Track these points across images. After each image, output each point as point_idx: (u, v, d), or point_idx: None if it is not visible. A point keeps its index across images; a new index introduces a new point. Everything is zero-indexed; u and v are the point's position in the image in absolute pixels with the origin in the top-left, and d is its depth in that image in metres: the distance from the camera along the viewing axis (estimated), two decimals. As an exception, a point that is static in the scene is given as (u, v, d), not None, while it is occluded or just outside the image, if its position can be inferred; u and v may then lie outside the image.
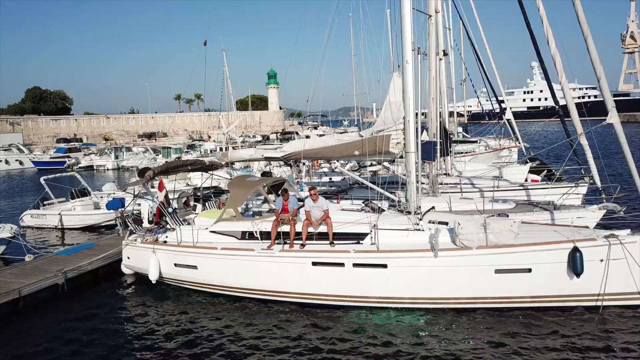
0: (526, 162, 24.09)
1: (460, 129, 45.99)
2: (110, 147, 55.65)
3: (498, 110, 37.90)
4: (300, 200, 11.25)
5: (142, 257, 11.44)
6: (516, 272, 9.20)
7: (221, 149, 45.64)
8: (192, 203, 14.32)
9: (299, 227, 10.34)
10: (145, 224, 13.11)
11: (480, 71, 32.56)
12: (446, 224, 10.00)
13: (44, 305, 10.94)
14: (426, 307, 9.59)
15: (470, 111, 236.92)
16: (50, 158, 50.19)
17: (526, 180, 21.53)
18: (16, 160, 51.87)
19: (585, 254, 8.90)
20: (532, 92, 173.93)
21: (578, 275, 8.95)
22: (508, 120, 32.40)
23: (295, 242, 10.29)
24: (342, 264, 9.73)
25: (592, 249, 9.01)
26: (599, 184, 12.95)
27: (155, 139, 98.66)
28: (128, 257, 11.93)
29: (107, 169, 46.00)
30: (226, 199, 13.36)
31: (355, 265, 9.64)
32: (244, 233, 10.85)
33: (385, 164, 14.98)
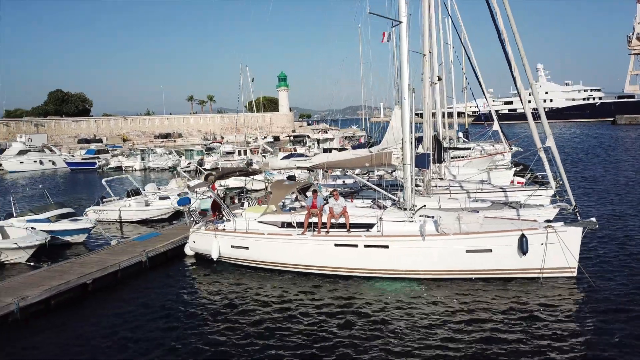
0: (512, 167, 27.69)
1: (460, 134, 49.31)
2: (136, 149, 59.67)
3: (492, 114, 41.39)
4: (324, 198, 14.99)
5: (205, 241, 15.25)
6: (481, 251, 12.89)
7: (241, 152, 49.39)
8: (236, 201, 18.02)
9: (324, 219, 14.08)
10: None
11: (476, 80, 35.93)
12: (432, 217, 13.71)
13: (134, 276, 14.75)
14: (416, 277, 13.29)
15: (477, 111, 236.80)
16: (82, 159, 54.29)
17: (512, 182, 25.00)
18: (49, 160, 56.03)
19: (530, 239, 12.58)
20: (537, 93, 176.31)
21: (525, 254, 12.63)
22: (497, 128, 35.72)
23: (321, 229, 14.04)
24: (356, 245, 13.47)
25: (535, 235, 12.68)
26: (553, 187, 16.50)
27: (172, 140, 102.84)
28: (194, 241, 15.74)
29: (135, 170, 49.90)
30: (263, 197, 17.18)
31: (365, 246, 13.39)
32: (283, 223, 14.64)
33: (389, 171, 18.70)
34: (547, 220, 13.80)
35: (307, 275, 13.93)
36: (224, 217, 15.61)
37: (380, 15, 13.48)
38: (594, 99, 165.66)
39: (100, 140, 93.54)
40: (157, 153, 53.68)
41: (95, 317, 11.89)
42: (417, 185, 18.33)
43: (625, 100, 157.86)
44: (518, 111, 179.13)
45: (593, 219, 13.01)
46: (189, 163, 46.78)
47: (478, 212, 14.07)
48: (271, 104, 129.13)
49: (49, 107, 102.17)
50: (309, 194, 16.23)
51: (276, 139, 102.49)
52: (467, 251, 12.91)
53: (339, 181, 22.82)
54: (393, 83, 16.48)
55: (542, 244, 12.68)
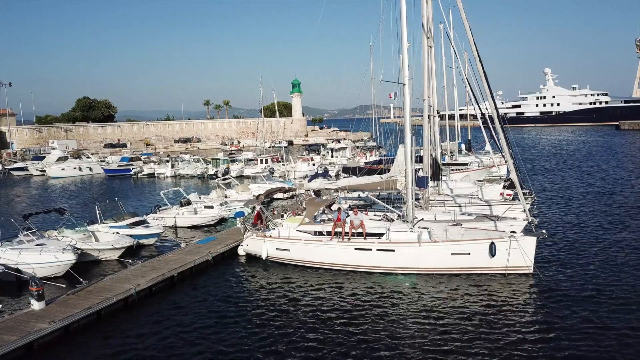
0: (501, 181, 32.28)
1: (463, 146, 53.68)
2: (167, 157, 64.87)
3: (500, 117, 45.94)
4: (346, 212, 19.81)
5: (256, 245, 20.16)
6: (462, 254, 17.64)
7: (263, 161, 54.31)
8: (275, 212, 22.83)
9: (346, 229, 18.91)
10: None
11: (479, 87, 40.44)
12: (427, 228, 18.50)
13: (204, 271, 19.67)
14: (415, 273, 18.06)
15: (486, 114, 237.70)
16: (118, 166, 59.63)
17: (501, 194, 29.52)
18: (87, 167, 61.49)
19: (497, 246, 17.31)
20: (544, 97, 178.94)
21: (494, 256, 17.35)
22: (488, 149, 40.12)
23: (344, 236, 18.87)
24: (370, 249, 18.28)
25: (501, 242, 17.41)
26: (525, 205, 21.12)
27: (191, 144, 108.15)
28: (247, 245, 20.63)
29: (167, 177, 55.07)
30: (296, 209, 22.08)
31: (378, 250, 18.20)
32: (315, 231, 19.51)
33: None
34: (512, 231, 18.51)
35: (334, 271, 18.77)
36: (268, 226, 20.52)
37: (388, 80, 18.31)
38: (600, 103, 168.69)
39: (124, 145, 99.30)
40: (186, 160, 58.83)
41: (183, 300, 16.80)
42: (418, 200, 23.17)
43: (632, 104, 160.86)
44: (526, 115, 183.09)
45: (544, 230, 17.80)
46: (225, 178, 48.79)
47: (461, 225, 18.85)
48: (284, 109, 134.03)
49: (76, 114, 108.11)
50: (334, 207, 21.16)
51: (290, 143, 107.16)
52: (452, 254, 17.68)
53: (356, 194, 27.66)
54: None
55: (506, 249, 17.41)
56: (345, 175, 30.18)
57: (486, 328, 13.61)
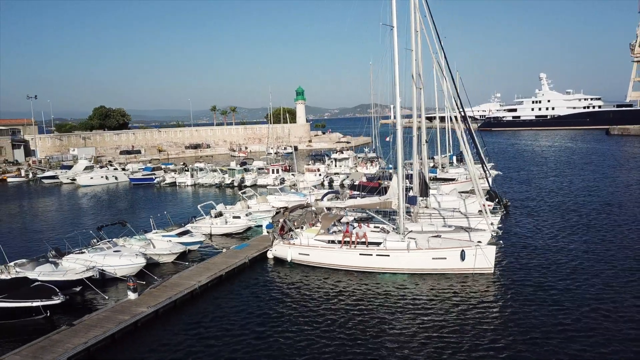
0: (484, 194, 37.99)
1: (454, 158, 59.34)
2: (184, 165, 70.71)
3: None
4: (353, 226, 25.59)
5: (283, 250, 25.98)
6: (440, 259, 23.45)
7: (274, 170, 60.05)
8: (296, 223, 28.56)
9: (353, 238, 24.74)
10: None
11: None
12: (414, 239, 24.34)
13: (241, 274, 25.45)
14: (405, 272, 23.86)
15: (484, 116, 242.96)
16: (142, 175, 65.46)
17: (483, 205, 35.22)
18: (113, 175, 67.33)
19: (467, 252, 23.13)
20: (540, 101, 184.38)
21: (463, 260, 23.17)
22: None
23: (351, 244, 24.68)
24: (371, 254, 24.10)
25: (469, 250, 23.23)
26: (493, 219, 26.90)
27: (201, 150, 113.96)
28: (275, 250, 26.44)
29: (187, 185, 60.89)
30: (317, 221, 27.93)
31: (377, 255, 24.02)
32: (329, 240, 25.34)
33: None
34: (479, 241, 24.30)
35: (344, 271, 24.60)
36: (291, 235, 26.36)
37: (386, 121, 24.06)
38: (593, 107, 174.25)
39: (139, 151, 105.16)
40: (204, 170, 64.65)
41: (232, 292, 22.64)
42: (409, 213, 29.02)
43: (623, 109, 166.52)
44: (522, 118, 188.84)
45: (501, 241, 23.64)
46: (246, 191, 51.27)
47: (440, 236, 24.70)
48: (289, 115, 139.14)
49: (93, 122, 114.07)
50: (343, 221, 27.03)
51: (295, 148, 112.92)
52: (433, 258, 23.51)
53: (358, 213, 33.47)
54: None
55: (473, 255, 23.22)
56: (352, 193, 35.86)
57: (454, 310, 19.43)
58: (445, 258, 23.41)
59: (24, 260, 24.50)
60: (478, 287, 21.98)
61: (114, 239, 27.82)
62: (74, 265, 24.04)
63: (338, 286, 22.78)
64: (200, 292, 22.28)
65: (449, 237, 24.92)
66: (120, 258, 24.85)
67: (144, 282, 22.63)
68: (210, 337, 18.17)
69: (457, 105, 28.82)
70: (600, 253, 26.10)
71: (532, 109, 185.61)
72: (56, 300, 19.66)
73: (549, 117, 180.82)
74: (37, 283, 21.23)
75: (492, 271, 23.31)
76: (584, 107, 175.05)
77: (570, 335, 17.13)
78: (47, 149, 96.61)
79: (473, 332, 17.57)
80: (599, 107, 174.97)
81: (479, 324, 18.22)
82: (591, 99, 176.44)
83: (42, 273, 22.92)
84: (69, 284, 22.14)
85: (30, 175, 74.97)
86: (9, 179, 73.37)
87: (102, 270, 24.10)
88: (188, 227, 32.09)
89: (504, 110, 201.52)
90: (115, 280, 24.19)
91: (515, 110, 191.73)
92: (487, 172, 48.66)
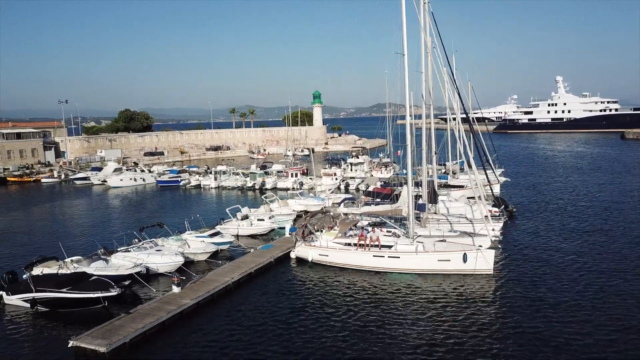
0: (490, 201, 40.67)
1: (465, 165, 61.74)
2: (206, 168, 74.34)
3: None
4: (367, 230, 28.60)
5: (304, 251, 29.13)
6: (445, 261, 26.36)
7: (293, 174, 63.26)
8: (316, 227, 31.68)
9: (367, 241, 27.76)
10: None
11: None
12: (422, 242, 27.28)
13: (268, 272, 28.64)
14: (413, 272, 26.81)
15: (501, 117, 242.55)
16: (169, 178, 69.31)
17: (490, 211, 37.92)
18: (140, 178, 71.27)
19: (468, 255, 25.99)
20: (556, 104, 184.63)
21: (465, 262, 26.04)
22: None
23: (366, 247, 27.71)
24: (383, 256, 27.11)
25: (471, 253, 26.09)
26: (497, 225, 29.68)
27: (221, 151, 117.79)
28: (298, 251, 29.59)
29: (211, 188, 64.46)
30: (335, 225, 31.00)
31: (389, 257, 27.01)
32: (346, 243, 28.42)
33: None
34: (480, 245, 27.10)
35: (358, 270, 27.63)
36: (312, 237, 29.48)
37: (398, 146, 27.05)
38: (610, 110, 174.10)
39: (162, 153, 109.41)
40: (226, 173, 68.19)
41: (262, 287, 25.84)
42: (418, 218, 31.95)
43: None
44: (537, 121, 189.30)
45: (499, 245, 26.41)
46: (268, 195, 49.74)
47: (446, 240, 27.58)
48: (306, 117, 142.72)
49: (119, 124, 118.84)
50: (360, 225, 30.05)
51: (312, 151, 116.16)
52: (438, 260, 26.41)
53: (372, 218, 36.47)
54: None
55: (474, 257, 26.07)
56: (367, 200, 38.86)
57: (455, 305, 22.36)
58: (449, 260, 26.30)
59: (79, 257, 28.08)
60: (478, 286, 24.83)
61: (153, 239, 31.25)
62: (123, 262, 27.50)
63: (353, 284, 25.84)
64: (233, 287, 25.53)
65: (453, 242, 27.78)
66: (162, 256, 28.27)
67: (184, 278, 25.97)
68: (244, 325, 21.37)
69: (465, 115, 31.52)
70: (595, 260, 28.70)
71: (548, 112, 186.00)
72: (113, 292, 23.06)
73: (564, 120, 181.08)
74: (94, 277, 24.68)
75: (491, 272, 26.12)
76: (601, 110, 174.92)
77: (554, 326, 19.95)
78: (75, 151, 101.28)
79: (471, 323, 20.48)
80: (616, 110, 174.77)
81: (476, 316, 21.12)
82: (608, 102, 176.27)
83: (97, 268, 26.42)
84: (120, 278, 25.57)
85: (63, 176, 79.41)
86: (43, 180, 77.86)
87: (147, 266, 27.52)
88: (218, 228, 35.41)
89: (520, 112, 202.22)
90: (157, 275, 27.60)
91: (531, 112, 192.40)
92: (496, 178, 51.41)
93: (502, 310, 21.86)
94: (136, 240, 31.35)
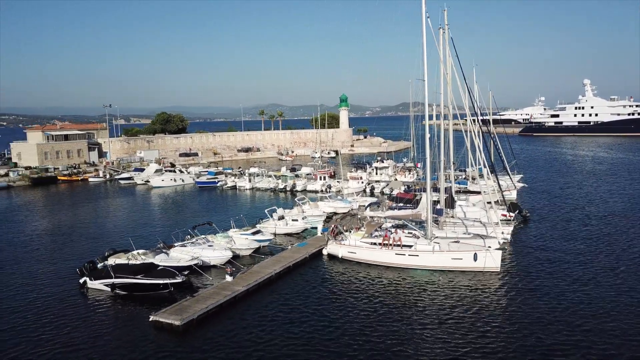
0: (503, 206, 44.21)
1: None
2: (239, 169, 79.42)
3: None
4: (391, 231, 32.76)
5: (335, 249, 33.49)
6: (458, 259, 30.35)
7: (321, 177, 67.70)
8: (345, 227, 35.99)
9: (391, 241, 31.94)
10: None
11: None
12: (438, 243, 31.33)
13: (304, 266, 33.10)
14: (431, 269, 30.84)
15: (527, 119, 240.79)
16: (207, 179, 74.70)
17: (504, 215, 41.54)
18: (180, 179, 76.85)
19: (478, 255, 29.92)
20: (583, 107, 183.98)
21: (476, 261, 29.98)
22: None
23: (389, 246, 31.89)
24: (404, 254, 31.25)
25: (481, 253, 30.00)
26: (508, 228, 33.43)
27: (251, 153, 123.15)
28: (329, 248, 33.98)
29: (246, 189, 69.45)
30: (362, 226, 35.27)
31: (409, 255, 31.15)
32: (372, 242, 32.68)
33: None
34: (489, 246, 30.94)
35: (383, 267, 31.82)
36: (341, 237, 33.82)
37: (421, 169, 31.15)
38: (639, 114, 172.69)
39: (196, 154, 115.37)
40: (260, 175, 73.14)
41: (299, 280, 30.31)
42: (436, 222, 35.96)
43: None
44: (564, 124, 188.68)
45: (506, 247, 30.25)
46: (300, 198, 51.68)
47: (459, 241, 31.55)
48: (332, 119, 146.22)
49: (156, 127, 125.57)
50: (384, 226, 34.28)
51: (337, 153, 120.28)
52: (452, 258, 30.42)
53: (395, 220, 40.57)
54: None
55: (484, 257, 29.97)
56: (391, 204, 43.03)
57: (467, 297, 26.38)
58: (462, 259, 30.26)
59: (145, 250, 33.11)
60: (486, 281, 28.76)
61: (205, 236, 36.11)
62: (182, 255, 32.40)
63: (377, 277, 30.09)
64: (275, 278, 30.09)
65: (466, 243, 31.74)
66: (214, 251, 33.07)
67: (234, 269, 30.67)
68: (285, 310, 25.88)
69: (485, 128, 35.26)
70: (594, 260, 32.23)
71: (575, 115, 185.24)
72: (178, 279, 27.88)
73: (592, 123, 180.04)
74: (160, 267, 29.57)
75: (499, 270, 29.97)
76: (629, 114, 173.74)
77: (544, 318, 23.83)
78: (116, 151, 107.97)
79: (477, 310, 24.52)
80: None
81: (485, 307, 25.14)
82: (636, 106, 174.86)
83: (161, 260, 31.35)
84: (181, 268, 30.41)
85: (108, 176, 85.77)
86: (90, 179, 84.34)
87: (202, 259, 32.34)
88: (258, 227, 40.11)
89: (547, 115, 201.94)
90: (210, 267, 32.36)
91: (557, 115, 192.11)
92: (513, 184, 54.77)
93: (506, 302, 25.81)
94: (189, 236, 36.26)
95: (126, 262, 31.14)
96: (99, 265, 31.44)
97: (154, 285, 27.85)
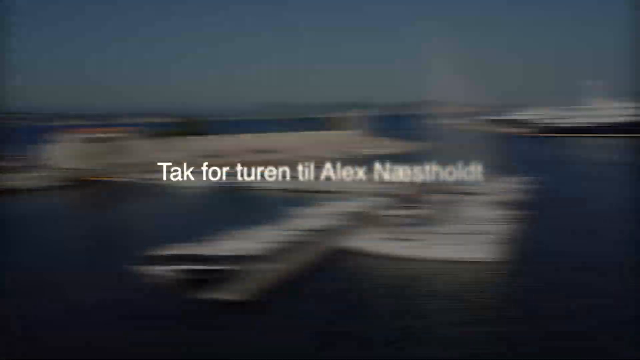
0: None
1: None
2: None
3: None
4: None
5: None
6: (461, 252, 35.80)
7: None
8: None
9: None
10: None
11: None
12: (444, 237, 36.87)
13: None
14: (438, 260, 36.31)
15: (541, 120, 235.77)
16: (227, 180, 79.79)
17: (504, 214, 46.42)
18: (203, 179, 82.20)
19: (479, 247, 35.35)
20: (597, 109, 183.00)
21: (476, 253, 35.35)
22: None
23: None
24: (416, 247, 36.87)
25: (481, 246, 35.42)
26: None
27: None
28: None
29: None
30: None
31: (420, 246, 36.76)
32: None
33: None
34: (489, 241, 36.25)
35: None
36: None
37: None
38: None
39: (216, 156, 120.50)
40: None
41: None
42: (444, 219, 41.31)
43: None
44: (578, 125, 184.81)
45: (507, 243, 35.66)
46: None
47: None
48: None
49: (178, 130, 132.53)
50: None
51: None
52: (455, 251, 35.89)
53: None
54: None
55: (484, 250, 35.33)
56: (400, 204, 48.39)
57: (467, 284, 31.85)
58: (465, 251, 35.62)
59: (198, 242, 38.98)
60: (483, 272, 33.89)
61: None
62: (227, 247, 38.28)
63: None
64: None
65: (469, 237, 37.18)
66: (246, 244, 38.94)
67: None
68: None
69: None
70: (592, 262, 36.12)
71: (589, 116, 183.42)
72: (228, 267, 33.70)
73: (606, 124, 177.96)
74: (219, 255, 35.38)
75: (495, 262, 35.00)
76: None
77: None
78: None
79: (476, 293, 30.09)
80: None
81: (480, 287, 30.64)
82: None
83: (212, 250, 37.23)
84: (228, 257, 36.18)
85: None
86: (123, 179, 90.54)
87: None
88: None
89: (560, 116, 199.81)
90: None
91: (571, 116, 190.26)
92: (517, 185, 59.53)
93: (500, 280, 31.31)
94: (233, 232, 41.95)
95: (184, 251, 36.56)
96: (164, 252, 36.30)
97: (211, 271, 33.39)
